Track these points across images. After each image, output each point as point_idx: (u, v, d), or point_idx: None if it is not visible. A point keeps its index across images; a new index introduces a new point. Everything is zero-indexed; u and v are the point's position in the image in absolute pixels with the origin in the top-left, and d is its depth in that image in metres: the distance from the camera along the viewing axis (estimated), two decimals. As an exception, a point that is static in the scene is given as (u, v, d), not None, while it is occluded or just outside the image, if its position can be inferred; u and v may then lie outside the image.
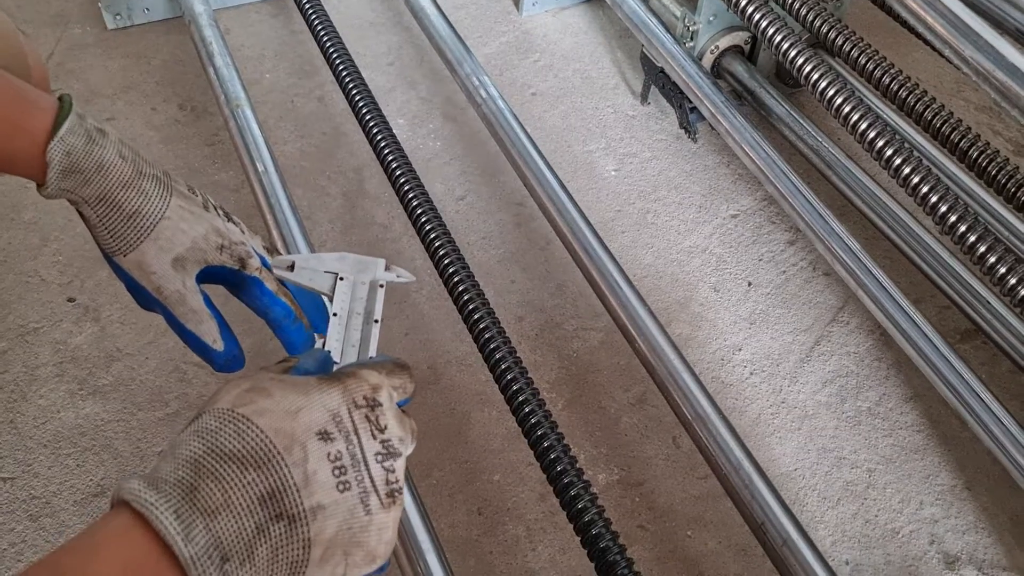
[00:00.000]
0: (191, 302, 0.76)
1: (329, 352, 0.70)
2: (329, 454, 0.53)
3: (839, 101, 1.30)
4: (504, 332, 1.14)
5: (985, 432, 1.16)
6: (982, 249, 1.18)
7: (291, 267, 0.76)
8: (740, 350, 1.35)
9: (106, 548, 0.47)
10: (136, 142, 1.58)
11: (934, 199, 1.25)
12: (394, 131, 1.55)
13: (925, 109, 1.31)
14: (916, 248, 1.40)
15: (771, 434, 1.26)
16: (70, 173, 0.71)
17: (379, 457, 0.55)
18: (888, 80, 1.34)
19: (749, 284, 1.43)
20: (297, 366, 0.61)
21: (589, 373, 1.32)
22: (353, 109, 1.45)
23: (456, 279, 1.20)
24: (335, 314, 0.74)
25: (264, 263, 0.82)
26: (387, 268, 0.80)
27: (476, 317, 1.16)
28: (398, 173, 1.34)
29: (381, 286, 0.78)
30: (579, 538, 0.97)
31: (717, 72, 1.63)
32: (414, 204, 1.30)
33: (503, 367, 1.10)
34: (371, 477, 0.54)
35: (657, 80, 1.61)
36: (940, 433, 1.27)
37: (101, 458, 1.19)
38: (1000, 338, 1.29)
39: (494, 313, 1.17)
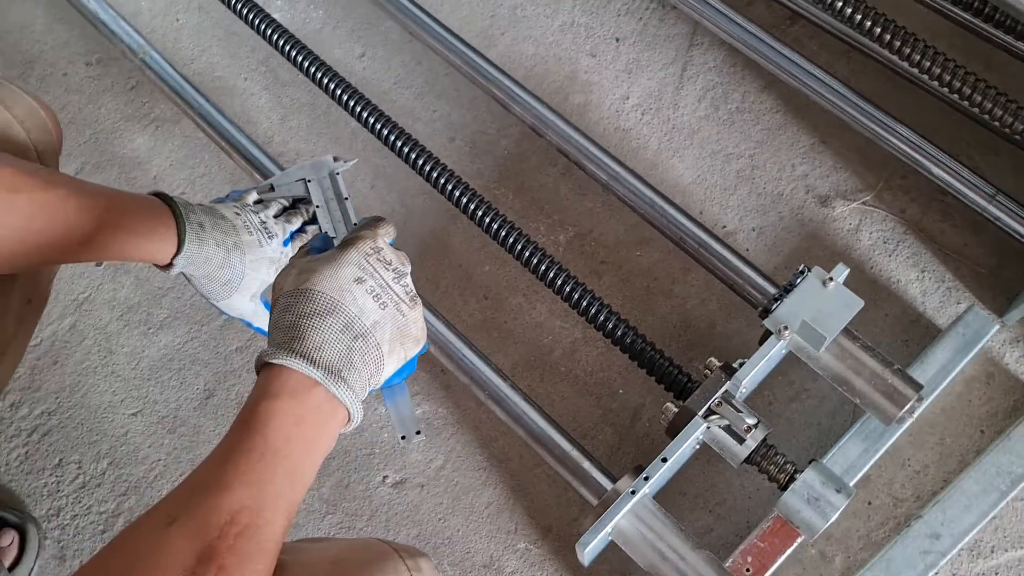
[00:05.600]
0: (259, 313, 1.14)
1: (325, 233, 1.00)
2: (367, 289, 0.81)
3: None
4: (447, 166, 1.44)
5: (820, 98, 1.51)
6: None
7: (271, 188, 1.06)
8: (628, 98, 1.66)
9: (273, 397, 0.74)
10: (64, 112, 1.76)
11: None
12: (276, 14, 1.76)
13: None
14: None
15: (672, 156, 1.61)
16: (185, 267, 1.03)
17: (395, 279, 0.84)
18: None
19: (617, 40, 1.72)
20: (311, 249, 0.92)
21: (520, 163, 1.63)
22: (233, 10, 1.61)
23: (386, 132, 1.47)
24: (318, 206, 1.04)
25: (286, 243, 1.17)
26: (335, 159, 1.09)
27: (420, 161, 1.45)
28: (301, 59, 1.55)
29: (337, 174, 1.07)
30: (553, 292, 1.34)
31: None
32: (325, 81, 1.53)
33: (456, 192, 1.41)
34: (395, 293, 0.83)
35: None
36: (793, 107, 1.62)
37: (195, 370, 1.52)
38: (819, 21, 1.62)
39: (432, 153, 1.45)
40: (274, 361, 0.76)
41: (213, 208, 1.17)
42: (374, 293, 0.82)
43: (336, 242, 0.97)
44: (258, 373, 0.78)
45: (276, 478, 0.71)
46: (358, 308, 0.80)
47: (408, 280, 0.86)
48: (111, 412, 1.50)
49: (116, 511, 1.43)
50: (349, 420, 0.79)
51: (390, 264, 0.84)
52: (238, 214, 1.19)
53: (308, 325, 0.77)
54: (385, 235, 0.89)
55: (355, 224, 1.00)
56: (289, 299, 0.80)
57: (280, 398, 0.74)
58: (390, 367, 0.83)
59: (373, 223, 0.91)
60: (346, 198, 1.04)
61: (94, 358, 1.54)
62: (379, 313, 0.81)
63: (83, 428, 1.49)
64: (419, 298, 0.86)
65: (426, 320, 1.37)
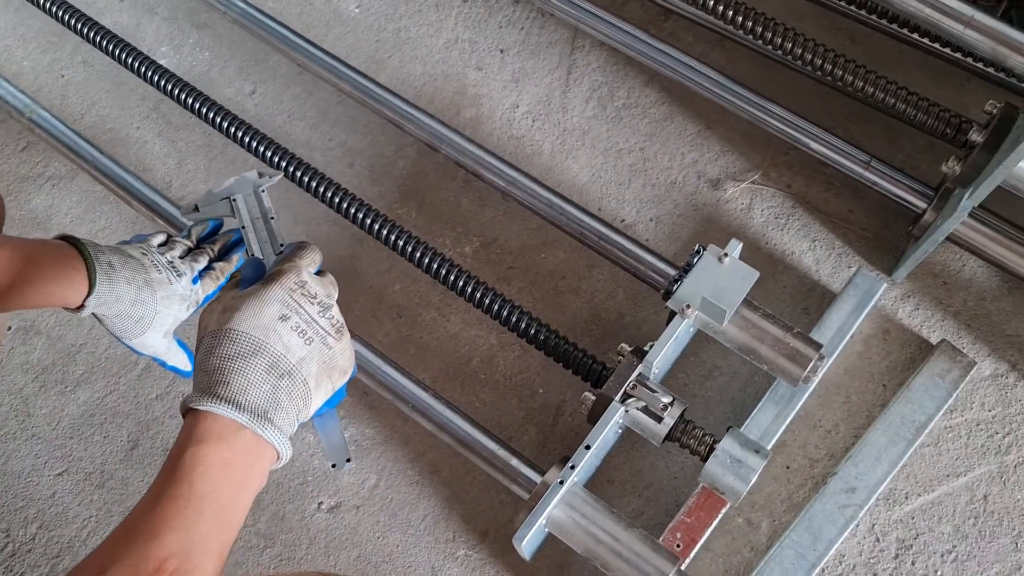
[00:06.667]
0: (172, 351, 1.15)
1: (256, 258, 0.96)
2: (291, 326, 0.82)
3: None
4: (348, 191, 1.47)
5: (700, 87, 1.57)
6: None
7: (196, 208, 1.03)
8: (518, 107, 1.71)
9: (199, 442, 0.75)
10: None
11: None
12: (163, 60, 1.77)
13: None
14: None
15: (566, 157, 1.66)
16: (97, 308, 1.04)
17: (320, 312, 0.85)
18: None
19: (501, 51, 1.76)
20: (243, 278, 0.91)
21: (420, 180, 1.66)
22: (118, 61, 1.63)
23: (284, 163, 1.49)
24: (243, 227, 1.00)
25: (195, 280, 1.19)
26: (260, 175, 1.06)
27: (322, 188, 1.47)
28: (191, 101, 1.56)
29: (262, 191, 1.03)
30: (467, 302, 1.38)
31: None
32: (218, 120, 1.54)
33: (359, 214, 1.44)
34: (321, 327, 0.84)
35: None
36: (676, 98, 1.69)
37: (117, 422, 1.51)
38: (690, 15, 1.69)
39: (332, 180, 1.48)
40: (199, 407, 0.76)
41: (120, 248, 1.18)
42: (299, 329, 0.82)
43: (268, 263, 0.95)
44: (183, 416, 0.79)
45: (203, 522, 0.72)
46: (283, 346, 0.81)
47: (334, 312, 0.86)
48: (35, 475, 1.48)
49: (50, 574, 1.41)
50: (279, 458, 0.80)
51: (315, 297, 0.85)
52: (144, 254, 1.20)
53: (232, 368, 0.78)
54: (310, 264, 0.90)
55: (281, 246, 0.99)
56: (213, 340, 0.80)
57: (206, 443, 0.75)
58: (318, 400, 0.85)
59: (297, 252, 0.91)
60: (272, 217, 1.01)
61: (12, 423, 1.52)
62: (305, 349, 0.82)
63: (7, 495, 1.47)
64: (346, 328, 0.87)
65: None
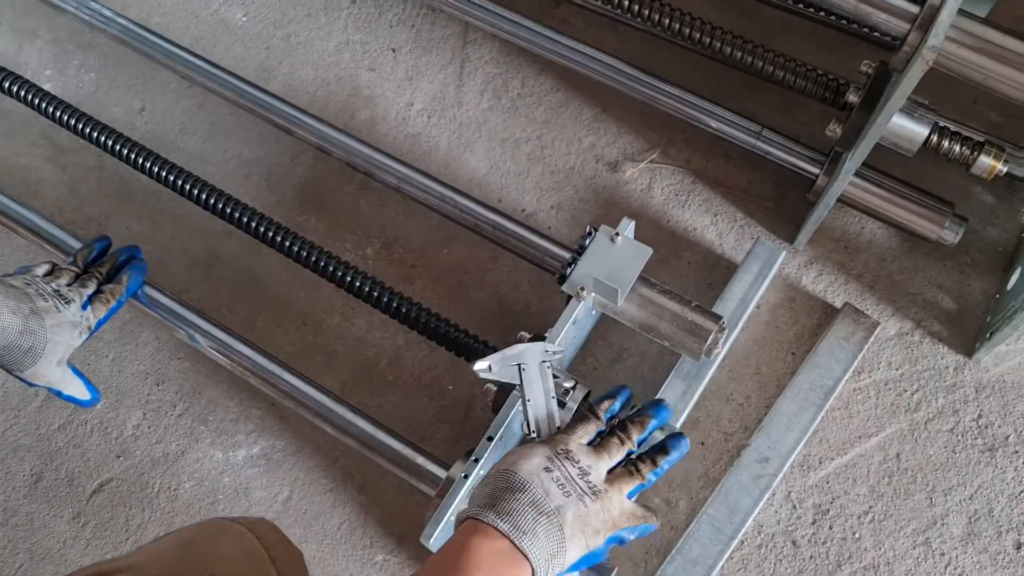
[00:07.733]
0: (68, 379, 1.13)
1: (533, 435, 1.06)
2: (552, 478, 0.95)
3: None
4: (239, 201, 1.44)
5: (592, 72, 1.57)
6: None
7: (490, 368, 1.09)
8: (413, 105, 1.69)
9: (469, 545, 0.88)
10: None
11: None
12: (47, 84, 1.73)
13: None
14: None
15: (463, 151, 1.64)
16: None
17: (579, 475, 0.97)
18: None
19: (393, 51, 1.74)
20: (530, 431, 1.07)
21: (318, 186, 1.64)
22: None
23: (172, 178, 1.47)
24: (525, 399, 1.08)
25: (85, 306, 1.17)
26: (547, 348, 1.12)
27: (212, 201, 1.44)
28: (75, 123, 1.53)
29: (547, 366, 1.10)
30: (365, 302, 1.35)
31: None
32: (105, 141, 1.51)
33: (253, 224, 1.42)
34: (579, 487, 0.96)
35: (231, -77, 1.79)
36: (571, 84, 1.68)
37: (19, 456, 1.46)
38: (580, 1, 1.69)
39: (223, 191, 1.45)
40: (473, 515, 0.91)
41: (2, 280, 1.15)
42: (559, 482, 0.94)
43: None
44: (457, 525, 0.93)
45: None
46: (543, 491, 0.93)
47: (592, 477, 0.97)
48: (-65, 519, 1.43)
49: (-43, 619, 1.37)
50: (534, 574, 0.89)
51: (577, 462, 0.98)
52: (28, 284, 1.17)
53: (502, 497, 0.92)
54: (583, 436, 1.02)
55: (558, 427, 1.07)
56: (496, 476, 0.95)
57: (475, 537, 0.88)
58: (573, 552, 0.93)
59: (575, 425, 1.03)
60: (554, 397, 1.09)
61: (-93, 467, 1.47)
62: (562, 499, 0.93)
63: (-92, 542, 1.42)
64: (610, 495, 0.97)
65: (248, 357, 1.37)
